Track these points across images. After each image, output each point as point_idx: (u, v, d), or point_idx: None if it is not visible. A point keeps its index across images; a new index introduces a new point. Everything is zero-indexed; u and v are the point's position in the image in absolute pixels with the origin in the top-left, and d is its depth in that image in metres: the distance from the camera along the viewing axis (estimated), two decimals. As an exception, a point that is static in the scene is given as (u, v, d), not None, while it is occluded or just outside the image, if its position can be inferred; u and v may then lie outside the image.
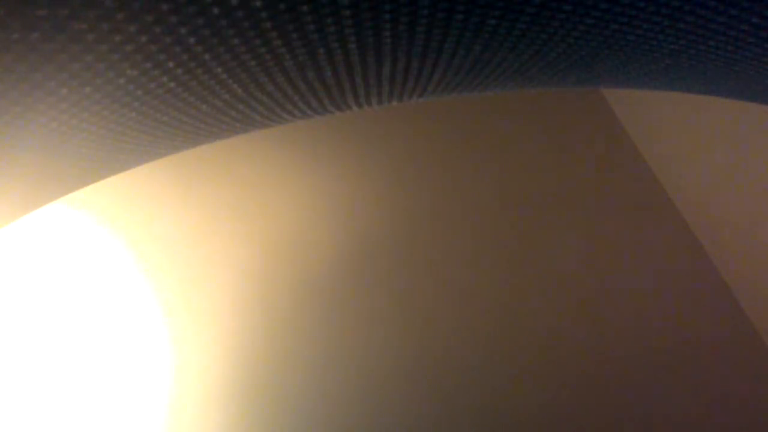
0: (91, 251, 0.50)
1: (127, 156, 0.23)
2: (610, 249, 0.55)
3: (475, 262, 0.54)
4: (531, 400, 0.51)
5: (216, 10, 0.15)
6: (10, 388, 0.46)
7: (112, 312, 0.49)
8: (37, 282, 0.48)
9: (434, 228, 0.55)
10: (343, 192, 0.55)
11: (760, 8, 0.17)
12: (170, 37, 0.16)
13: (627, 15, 0.18)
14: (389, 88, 0.24)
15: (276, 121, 0.26)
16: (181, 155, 0.53)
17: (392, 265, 0.53)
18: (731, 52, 0.20)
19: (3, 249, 0.48)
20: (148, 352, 0.49)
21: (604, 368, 0.52)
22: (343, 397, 0.50)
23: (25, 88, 0.16)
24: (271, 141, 0.55)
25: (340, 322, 0.51)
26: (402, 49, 0.20)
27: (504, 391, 0.51)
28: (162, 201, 0.52)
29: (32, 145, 0.19)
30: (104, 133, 0.20)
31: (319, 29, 0.17)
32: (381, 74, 0.22)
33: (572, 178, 0.57)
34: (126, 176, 0.52)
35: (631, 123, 0.58)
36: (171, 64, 0.17)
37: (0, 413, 0.45)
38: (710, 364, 0.52)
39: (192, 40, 0.16)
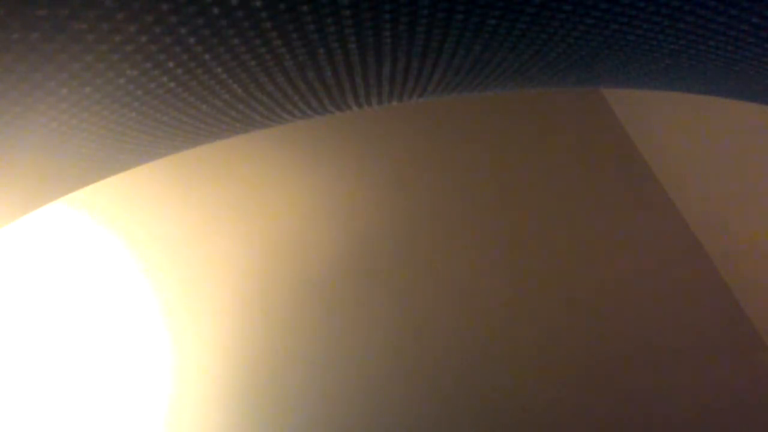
0: (91, 251, 0.50)
1: (127, 156, 0.23)
2: (609, 249, 0.55)
3: (475, 262, 0.54)
4: (531, 400, 0.51)
5: (216, 10, 0.15)
6: (10, 387, 0.46)
7: (112, 312, 0.49)
8: (37, 282, 0.48)
9: (434, 228, 0.55)
10: (343, 192, 0.55)
11: (760, 8, 0.17)
12: (170, 37, 0.16)
13: (627, 15, 0.18)
14: (389, 88, 0.24)
15: (276, 121, 0.26)
16: (181, 155, 0.53)
17: (392, 265, 0.53)
18: (731, 52, 0.20)
19: (3, 249, 0.48)
20: (148, 352, 0.49)
21: (603, 368, 0.52)
22: (343, 396, 0.50)
23: (25, 88, 0.16)
24: (271, 141, 0.55)
25: (340, 322, 0.51)
26: (402, 49, 0.20)
27: (504, 391, 0.51)
28: (162, 201, 0.52)
29: (32, 145, 0.19)
30: (104, 133, 0.20)
31: (319, 29, 0.17)
32: (381, 74, 0.22)
33: (572, 178, 0.57)
34: (126, 176, 0.51)
35: (631, 123, 0.58)
36: (171, 64, 0.17)
37: (0, 413, 0.45)
38: (710, 364, 0.52)
39: (192, 40, 0.16)
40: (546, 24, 0.18)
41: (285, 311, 0.51)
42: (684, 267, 0.55)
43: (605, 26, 0.19)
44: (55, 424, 0.46)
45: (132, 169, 0.26)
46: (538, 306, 0.53)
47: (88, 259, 0.49)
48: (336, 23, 0.17)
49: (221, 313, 0.50)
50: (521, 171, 0.57)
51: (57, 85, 0.16)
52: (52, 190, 0.23)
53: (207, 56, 0.17)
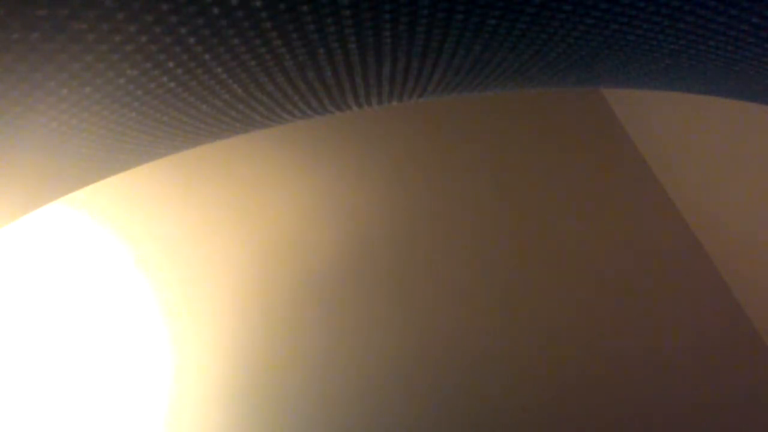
0: (91, 251, 0.50)
1: (127, 156, 0.23)
2: (609, 249, 0.55)
3: (475, 262, 0.54)
4: (531, 400, 0.51)
5: (216, 10, 0.15)
6: (10, 387, 0.46)
7: (112, 312, 0.49)
8: (37, 282, 0.48)
9: (434, 228, 0.55)
10: (343, 192, 0.55)
11: (760, 8, 0.17)
12: (170, 37, 0.16)
13: (627, 15, 0.18)
14: (389, 88, 0.24)
15: (276, 121, 0.26)
16: (181, 155, 0.53)
17: (392, 265, 0.53)
18: (731, 52, 0.20)
19: (3, 249, 0.48)
20: (148, 352, 0.49)
21: (603, 368, 0.52)
22: (343, 397, 0.50)
23: (25, 88, 0.16)
24: (271, 141, 0.55)
25: (340, 322, 0.51)
26: (402, 49, 0.20)
27: (504, 391, 0.51)
28: (162, 201, 0.52)
29: (32, 145, 0.19)
30: (104, 133, 0.20)
31: (319, 29, 0.17)
32: (381, 74, 0.22)
33: (572, 178, 0.57)
34: (126, 176, 0.52)
35: (631, 123, 0.58)
36: (171, 64, 0.17)
37: (0, 413, 0.45)
38: (710, 364, 0.52)
39: (192, 40, 0.16)
40: (546, 24, 0.18)
41: (285, 311, 0.51)
42: (684, 267, 0.55)
43: (605, 26, 0.19)
44: (55, 424, 0.46)
45: (132, 169, 0.26)
46: (538, 306, 0.53)
47: (88, 259, 0.49)
48: (336, 23, 0.17)
49: (221, 313, 0.50)
50: (521, 171, 0.57)
51: (57, 85, 0.16)
52: (52, 190, 0.23)
53: (207, 56, 0.17)
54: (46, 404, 0.46)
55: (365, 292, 0.52)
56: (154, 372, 0.48)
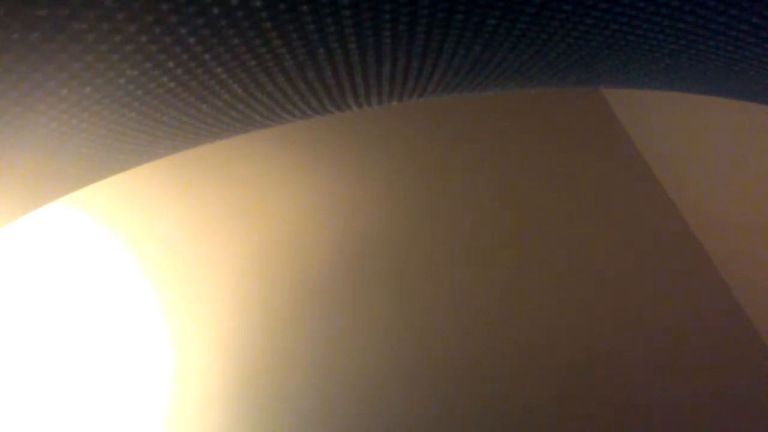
0: (91, 251, 0.50)
1: (127, 156, 0.23)
2: (609, 249, 0.55)
3: (475, 262, 0.54)
4: (531, 400, 0.51)
5: (216, 10, 0.15)
6: (10, 387, 0.46)
7: (112, 312, 0.49)
8: (37, 282, 0.48)
9: (434, 228, 0.55)
10: (343, 192, 0.55)
11: (760, 8, 0.17)
12: (170, 37, 0.16)
13: (627, 15, 0.18)
14: (389, 88, 0.24)
15: (276, 121, 0.26)
16: (181, 155, 0.53)
17: (392, 265, 0.53)
18: (731, 52, 0.20)
19: (3, 249, 0.48)
20: (148, 352, 0.49)
21: (603, 368, 0.52)
22: (343, 396, 0.50)
23: (25, 88, 0.16)
24: (271, 141, 0.55)
25: (340, 321, 0.51)
26: (402, 49, 0.20)
27: (504, 392, 0.51)
28: (162, 201, 0.52)
29: (32, 145, 0.19)
30: (104, 133, 0.20)
31: (319, 29, 0.17)
32: (381, 74, 0.22)
33: (572, 177, 0.57)
34: (126, 176, 0.52)
35: (631, 123, 0.58)
36: (171, 64, 0.17)
37: (0, 413, 0.45)
38: (710, 364, 0.52)
39: (192, 40, 0.16)
40: (546, 24, 0.18)
41: (285, 311, 0.51)
42: (684, 267, 0.55)
43: (605, 26, 0.19)
44: (55, 424, 0.46)
45: (132, 169, 0.26)
46: (538, 306, 0.53)
47: (88, 259, 0.49)
48: (336, 23, 0.17)
49: (221, 313, 0.50)
50: (521, 171, 0.57)
51: (57, 85, 0.16)
52: (52, 190, 0.23)
53: (207, 56, 0.17)
54: (46, 404, 0.46)
55: (365, 292, 0.52)
56: (154, 372, 0.48)
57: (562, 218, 0.56)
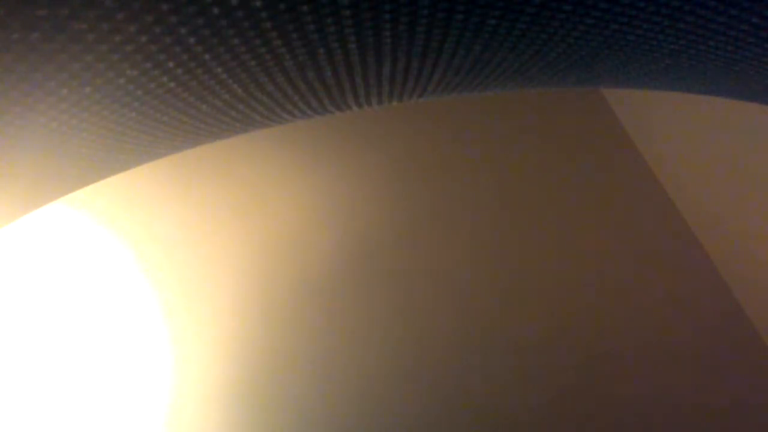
0: (91, 251, 0.50)
1: (127, 156, 0.23)
2: (609, 249, 0.55)
3: (475, 263, 0.54)
4: (531, 400, 0.51)
5: (216, 10, 0.15)
6: (10, 387, 0.46)
7: (112, 312, 0.49)
8: (37, 282, 0.48)
9: (434, 228, 0.55)
10: (343, 192, 0.55)
11: (760, 8, 0.17)
12: (170, 37, 0.16)
13: (627, 15, 0.18)
14: (389, 88, 0.24)
15: (276, 121, 0.26)
16: (181, 155, 0.53)
17: (392, 265, 0.53)
18: (731, 52, 0.20)
19: (3, 249, 0.48)
20: (148, 352, 0.49)
21: (603, 368, 0.52)
22: (343, 396, 0.50)
23: (25, 88, 0.16)
24: (271, 141, 0.55)
25: (340, 321, 0.51)
26: (402, 49, 0.20)
27: (504, 391, 0.51)
28: (162, 201, 0.52)
29: (32, 145, 0.19)
30: (104, 133, 0.20)
31: (319, 29, 0.17)
32: (381, 74, 0.22)
33: (572, 178, 0.57)
34: (126, 176, 0.52)
35: (631, 123, 0.58)
36: (171, 64, 0.17)
37: (0, 413, 0.45)
38: (710, 364, 0.52)
39: (192, 40, 0.16)
40: (546, 24, 0.18)
41: (285, 311, 0.51)
42: (684, 267, 0.55)
43: (605, 26, 0.19)
44: (55, 424, 0.46)
45: (132, 169, 0.26)
46: (538, 306, 0.53)
47: (88, 259, 0.49)
48: (336, 23, 0.17)
49: (221, 313, 0.50)
50: (521, 171, 0.57)
51: (57, 85, 0.16)
52: (52, 190, 0.23)
53: (207, 56, 0.17)
54: (46, 404, 0.46)
55: (365, 292, 0.52)
56: (154, 372, 0.48)
57: (562, 218, 0.56)
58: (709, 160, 0.51)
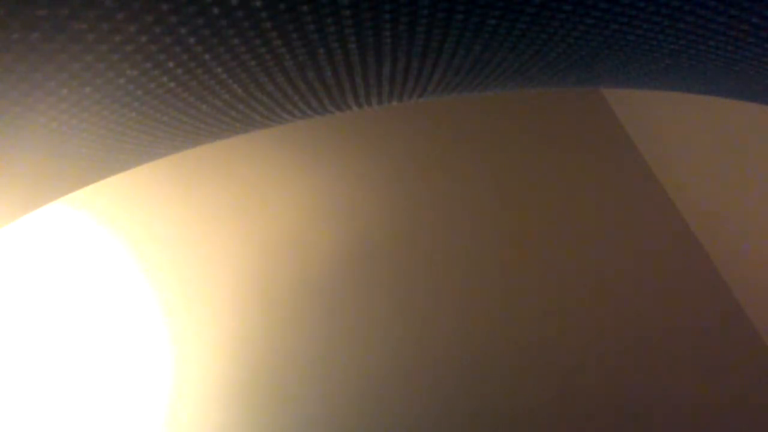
0: (91, 251, 0.50)
1: (127, 156, 0.23)
2: (609, 248, 0.55)
3: (475, 262, 0.54)
4: (531, 400, 0.51)
5: (216, 10, 0.15)
6: (10, 387, 0.46)
7: (112, 312, 0.49)
8: (37, 282, 0.48)
9: (434, 228, 0.55)
10: (343, 192, 0.55)
11: (760, 8, 0.17)
12: (170, 37, 0.16)
13: (627, 15, 0.18)
14: (389, 88, 0.24)
15: (276, 121, 0.26)
16: (181, 155, 0.53)
17: (392, 265, 0.53)
18: (731, 52, 0.20)
19: (3, 249, 0.48)
20: (148, 352, 0.49)
21: (603, 368, 0.52)
22: (343, 396, 0.50)
23: (25, 88, 0.16)
24: (271, 141, 0.55)
25: (340, 321, 0.51)
26: (402, 49, 0.20)
27: (504, 392, 0.51)
28: (162, 201, 0.52)
29: (32, 145, 0.19)
30: (104, 133, 0.20)
31: (319, 29, 0.17)
32: (381, 74, 0.22)
33: (572, 178, 0.57)
34: (126, 176, 0.52)
35: (631, 123, 0.58)
36: (171, 64, 0.17)
37: (0, 413, 0.45)
38: (710, 364, 0.52)
39: (192, 40, 0.16)
40: (546, 24, 0.18)
41: (285, 311, 0.51)
42: (684, 267, 0.55)
43: (605, 26, 0.19)
44: (55, 423, 0.46)
45: (132, 169, 0.26)
46: (538, 306, 0.53)
47: (88, 259, 0.49)
48: (336, 23, 0.17)
49: (221, 313, 0.50)
50: (521, 171, 0.57)
51: (57, 85, 0.16)
52: (52, 190, 0.23)
53: (207, 56, 0.17)
54: (46, 404, 0.46)
55: (365, 291, 0.52)
56: (154, 371, 0.48)
57: (562, 218, 0.56)
58: (709, 160, 0.51)
